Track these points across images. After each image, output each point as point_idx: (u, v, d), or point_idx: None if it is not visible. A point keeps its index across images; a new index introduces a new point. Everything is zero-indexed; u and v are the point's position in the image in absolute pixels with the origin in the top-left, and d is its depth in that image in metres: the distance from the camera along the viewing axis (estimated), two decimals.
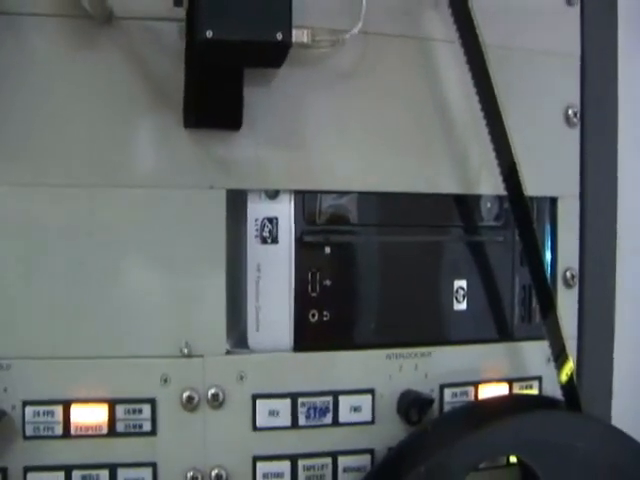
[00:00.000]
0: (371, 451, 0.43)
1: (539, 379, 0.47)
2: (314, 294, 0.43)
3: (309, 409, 0.42)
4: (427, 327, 0.45)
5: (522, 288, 0.47)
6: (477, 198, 0.46)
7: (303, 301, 0.43)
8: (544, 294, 0.43)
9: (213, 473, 0.42)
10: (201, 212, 0.41)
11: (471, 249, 0.46)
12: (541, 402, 0.45)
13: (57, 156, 0.40)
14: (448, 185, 0.44)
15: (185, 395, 0.41)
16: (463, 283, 0.45)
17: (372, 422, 0.43)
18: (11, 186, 0.40)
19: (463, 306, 0.45)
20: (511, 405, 0.43)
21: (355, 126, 0.43)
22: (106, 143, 0.40)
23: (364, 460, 0.43)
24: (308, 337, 0.43)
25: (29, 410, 0.40)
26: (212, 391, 0.41)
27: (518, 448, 0.41)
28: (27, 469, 0.40)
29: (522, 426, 0.41)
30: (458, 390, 0.44)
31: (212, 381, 0.41)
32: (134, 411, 0.41)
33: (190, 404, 0.41)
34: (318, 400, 0.42)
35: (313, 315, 0.43)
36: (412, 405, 0.42)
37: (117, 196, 0.40)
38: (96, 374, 0.41)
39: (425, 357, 0.44)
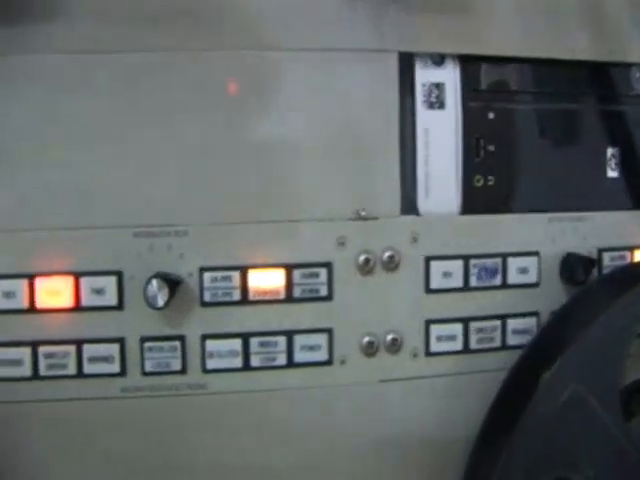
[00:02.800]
0: (536, 314, 0.44)
1: None
2: (478, 159, 0.43)
3: (480, 270, 0.42)
4: (583, 193, 0.45)
5: None
6: (628, 67, 0.46)
7: (469, 166, 0.43)
8: None
9: (388, 337, 0.42)
10: (375, 75, 0.41)
11: (622, 118, 0.46)
12: None
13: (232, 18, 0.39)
14: (602, 53, 0.45)
15: (362, 258, 0.41)
16: (616, 151, 0.46)
17: (537, 284, 0.44)
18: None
19: (616, 174, 0.46)
20: None
21: None
22: (282, 7, 0.40)
23: (530, 323, 0.44)
24: (475, 201, 0.43)
25: (207, 276, 0.40)
26: (388, 253, 0.41)
27: None
28: (205, 336, 0.40)
29: None
30: (616, 254, 0.45)
31: (387, 243, 0.41)
32: (311, 275, 0.41)
33: (366, 266, 0.41)
34: (488, 261, 0.43)
35: (478, 180, 0.43)
36: (578, 265, 0.43)
37: (292, 59, 0.40)
38: (274, 238, 0.40)
39: (584, 221, 0.44)
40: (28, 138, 0.39)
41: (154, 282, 0.38)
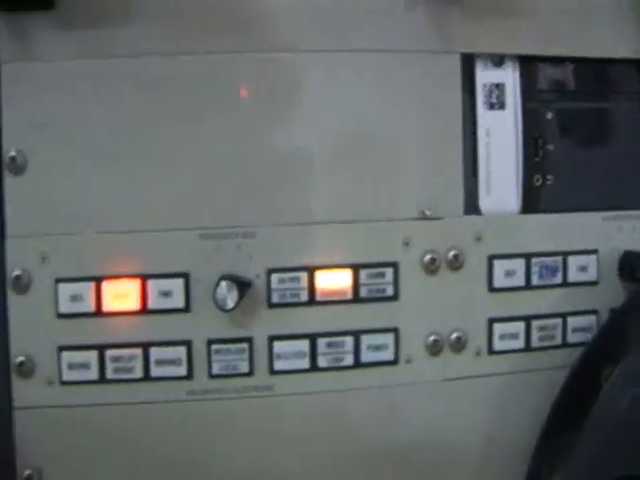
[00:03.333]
0: (596, 312, 0.44)
1: None
2: (537, 159, 0.43)
3: (541, 268, 0.43)
4: None
5: None
6: None
7: (528, 165, 0.43)
8: None
9: (453, 336, 0.42)
10: (438, 76, 0.41)
11: None
12: None
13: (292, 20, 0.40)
14: None
15: (427, 257, 0.41)
16: None
17: (597, 282, 0.44)
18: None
19: None
20: None
21: None
22: (344, 9, 0.40)
23: (590, 321, 0.44)
24: (534, 200, 0.43)
25: (275, 277, 0.40)
26: (452, 252, 0.41)
27: None
28: (272, 338, 0.40)
29: None
30: None
31: (452, 242, 0.42)
32: (377, 275, 0.41)
33: (432, 266, 0.41)
34: (549, 260, 0.43)
35: (537, 179, 0.44)
36: (636, 262, 0.43)
37: (354, 61, 0.40)
38: (341, 239, 0.40)
39: None
40: (96, 144, 0.39)
41: (223, 284, 0.38)
